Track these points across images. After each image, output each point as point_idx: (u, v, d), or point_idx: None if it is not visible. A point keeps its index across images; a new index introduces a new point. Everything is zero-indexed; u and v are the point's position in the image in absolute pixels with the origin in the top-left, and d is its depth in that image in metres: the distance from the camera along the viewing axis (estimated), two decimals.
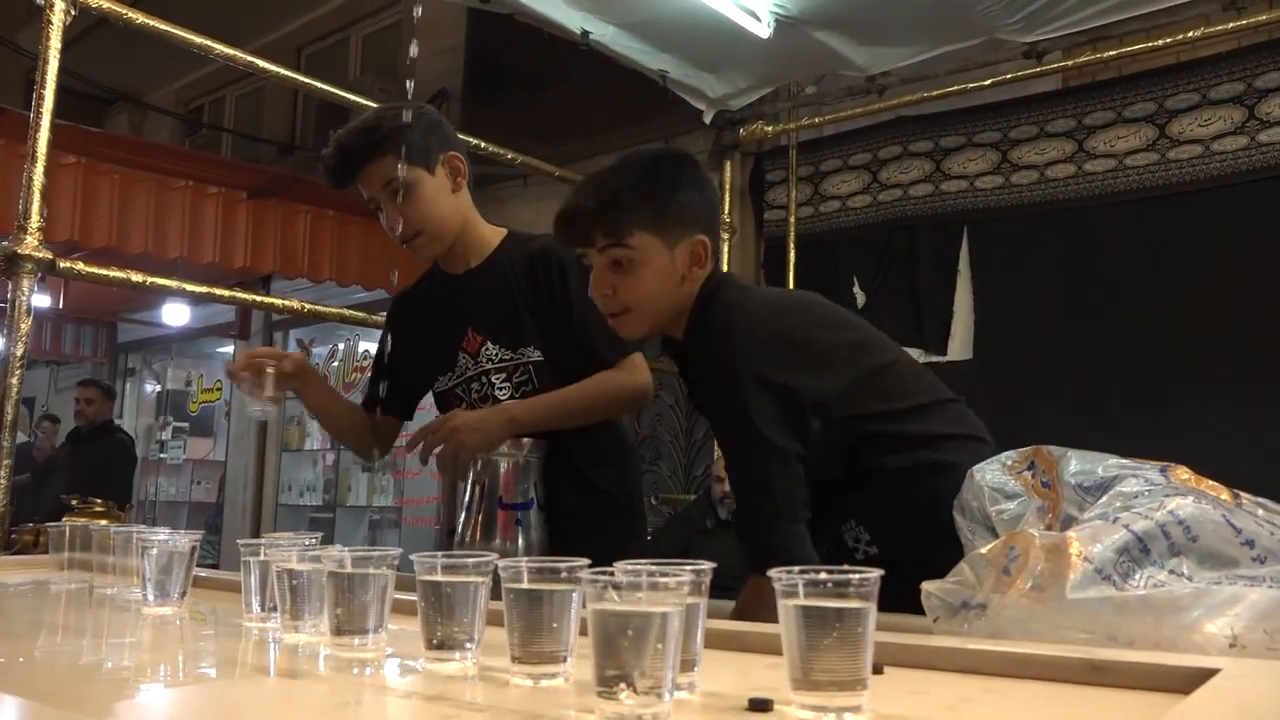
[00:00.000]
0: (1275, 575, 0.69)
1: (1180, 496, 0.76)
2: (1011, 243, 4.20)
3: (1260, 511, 0.79)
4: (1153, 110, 3.89)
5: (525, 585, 0.77)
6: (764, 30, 3.60)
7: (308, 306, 3.00)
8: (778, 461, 1.39)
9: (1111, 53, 3.72)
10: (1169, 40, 3.54)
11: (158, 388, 9.85)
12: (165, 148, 6.44)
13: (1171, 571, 0.69)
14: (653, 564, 0.72)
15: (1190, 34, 3.49)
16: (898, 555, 1.37)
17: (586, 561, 0.76)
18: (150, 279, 2.57)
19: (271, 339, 8.26)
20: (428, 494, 6.62)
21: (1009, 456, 1.07)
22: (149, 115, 9.18)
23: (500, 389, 1.84)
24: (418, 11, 1.88)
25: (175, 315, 7.86)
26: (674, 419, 5.48)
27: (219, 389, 9.21)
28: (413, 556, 0.83)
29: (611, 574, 0.68)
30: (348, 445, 2.22)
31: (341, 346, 7.97)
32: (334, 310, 3.07)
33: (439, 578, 0.80)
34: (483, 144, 3.59)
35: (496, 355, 1.85)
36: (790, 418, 1.42)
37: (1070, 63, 3.83)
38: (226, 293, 2.95)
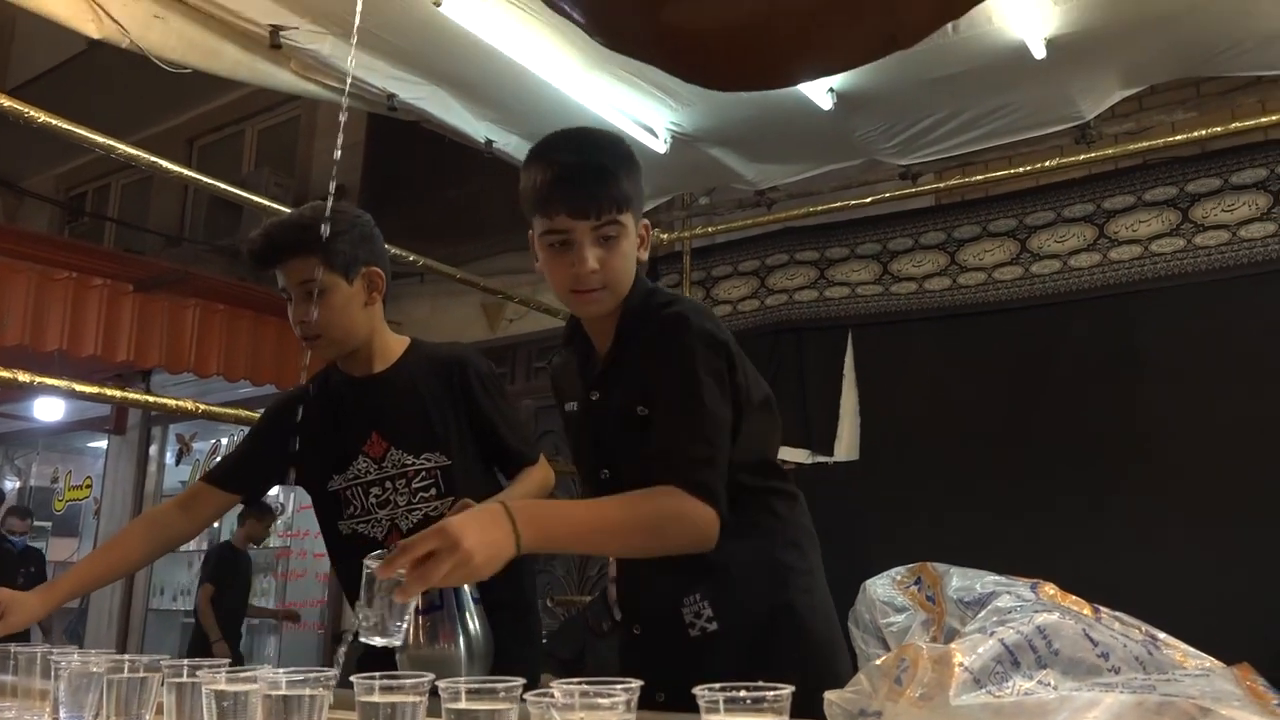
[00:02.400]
0: (1127, 682, 0.79)
1: (1046, 613, 0.85)
2: (893, 348, 4.43)
3: (1117, 625, 0.89)
4: (1014, 226, 4.21)
5: (464, 705, 0.80)
6: (661, 146, 3.79)
7: (202, 407, 2.95)
8: (716, 421, 1.36)
9: (979, 177, 4.03)
10: (1028, 168, 3.86)
11: (17, 484, 9.32)
12: (49, 238, 6.26)
13: (1039, 681, 0.78)
14: (586, 683, 0.76)
15: (1047, 163, 3.82)
16: (738, 636, 1.40)
17: (523, 681, 0.80)
18: (38, 378, 2.51)
19: (149, 434, 7.96)
20: (313, 597, 6.41)
21: (898, 572, 1.16)
22: (25, 200, 8.89)
23: (401, 494, 1.87)
24: (343, 117, 1.92)
25: (48, 410, 7.52)
26: None
27: (89, 486, 8.77)
28: (353, 678, 0.85)
29: (551, 694, 0.73)
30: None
31: (225, 442, 7.73)
32: (229, 411, 3.02)
33: (378, 699, 0.83)
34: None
35: (400, 460, 1.88)
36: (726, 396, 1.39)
37: (942, 184, 4.13)
38: (119, 393, 2.88)
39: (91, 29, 2.85)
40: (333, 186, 1.92)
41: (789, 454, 4.56)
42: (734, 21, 1.05)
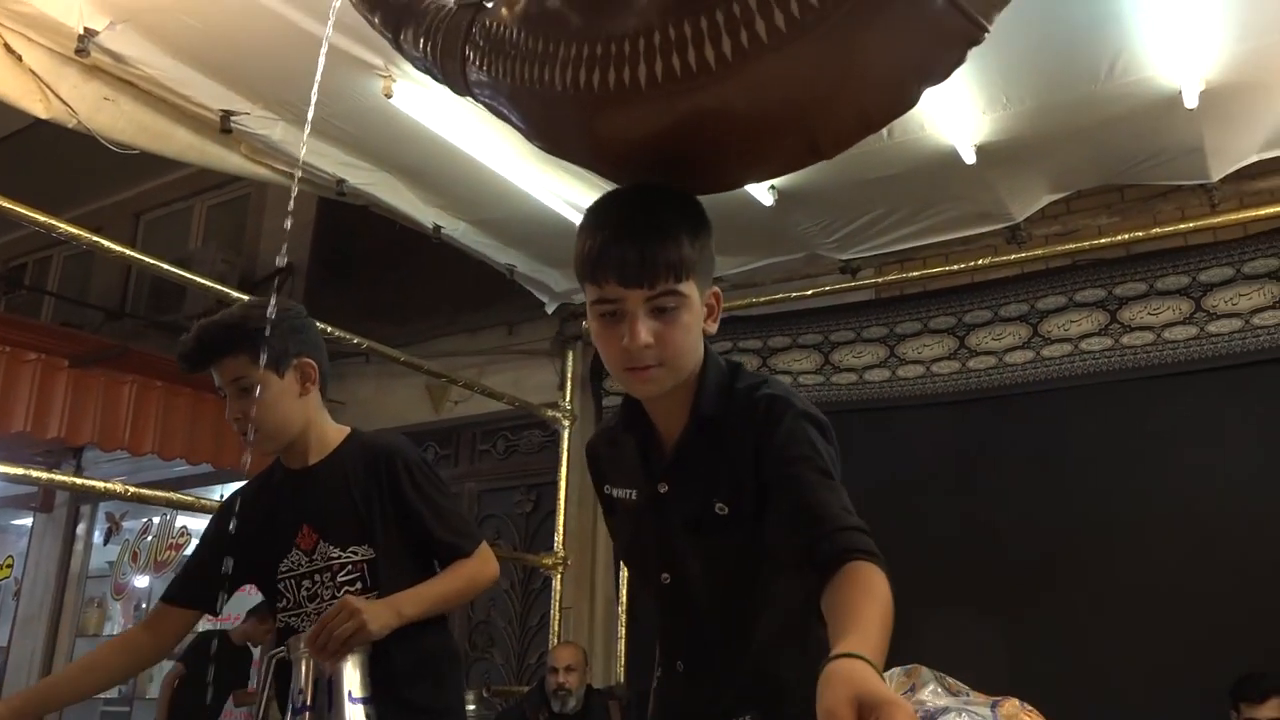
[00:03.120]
0: None
1: None
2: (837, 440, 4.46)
3: None
4: (953, 324, 4.32)
5: None
6: None
7: (131, 490, 2.89)
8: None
9: (916, 273, 4.15)
10: (963, 265, 3.99)
11: None
12: None
13: None
14: None
15: (980, 261, 3.95)
16: None
17: None
18: None
19: (78, 513, 7.72)
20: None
21: (893, 674, 1.13)
22: None
23: (326, 587, 1.84)
24: (288, 223, 1.92)
25: None
26: (509, 604, 5.39)
27: (9, 565, 8.43)
28: None
29: None
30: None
31: (156, 521, 7.51)
32: (160, 494, 2.96)
33: None
34: (328, 327, 3.63)
35: (328, 553, 1.86)
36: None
37: (880, 279, 4.25)
38: (44, 475, 2.81)
39: (39, 109, 2.86)
40: (274, 293, 1.92)
41: None
42: (661, 133, 1.10)
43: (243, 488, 2.07)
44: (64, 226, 2.72)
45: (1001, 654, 3.51)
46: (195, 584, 1.96)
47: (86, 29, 2.72)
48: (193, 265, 6.07)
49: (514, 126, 1.31)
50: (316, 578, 1.86)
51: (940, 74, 1.03)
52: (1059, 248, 3.92)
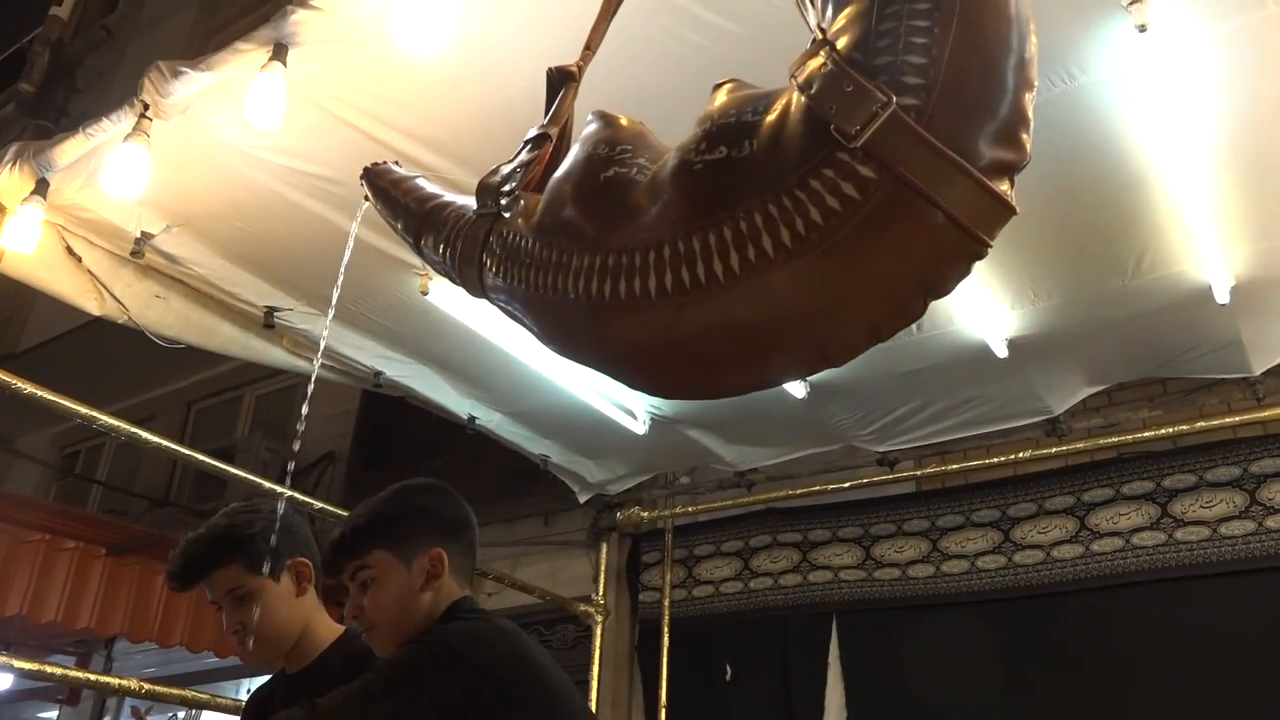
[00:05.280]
0: None
1: None
2: (879, 637, 4.29)
3: None
4: (996, 517, 4.20)
5: None
6: (640, 427, 3.86)
7: (146, 686, 2.81)
8: (377, 710, 1.35)
9: (955, 466, 4.07)
10: (1003, 458, 3.91)
11: None
12: (24, 499, 6.21)
13: None
14: None
15: (1022, 454, 3.87)
16: None
17: None
18: None
19: (104, 705, 7.54)
20: None
21: None
22: (17, 459, 8.93)
23: None
24: (310, 389, 1.95)
25: None
26: None
27: None
28: None
29: None
30: None
31: (181, 715, 7.30)
32: (174, 691, 2.88)
33: None
34: None
35: None
36: (442, 704, 1.36)
37: (920, 472, 4.16)
38: (59, 671, 2.76)
39: (93, 307, 2.99)
40: (282, 504, 1.92)
41: None
42: (670, 341, 1.10)
43: (256, 690, 2.02)
44: (103, 418, 2.78)
45: None
46: None
47: (143, 232, 2.87)
48: (238, 453, 6.16)
49: (528, 330, 1.33)
50: None
51: (945, 287, 1.02)
52: (1102, 440, 3.83)
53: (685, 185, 1.09)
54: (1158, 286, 2.97)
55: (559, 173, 1.29)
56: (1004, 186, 0.98)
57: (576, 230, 1.20)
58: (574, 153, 1.30)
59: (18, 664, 2.49)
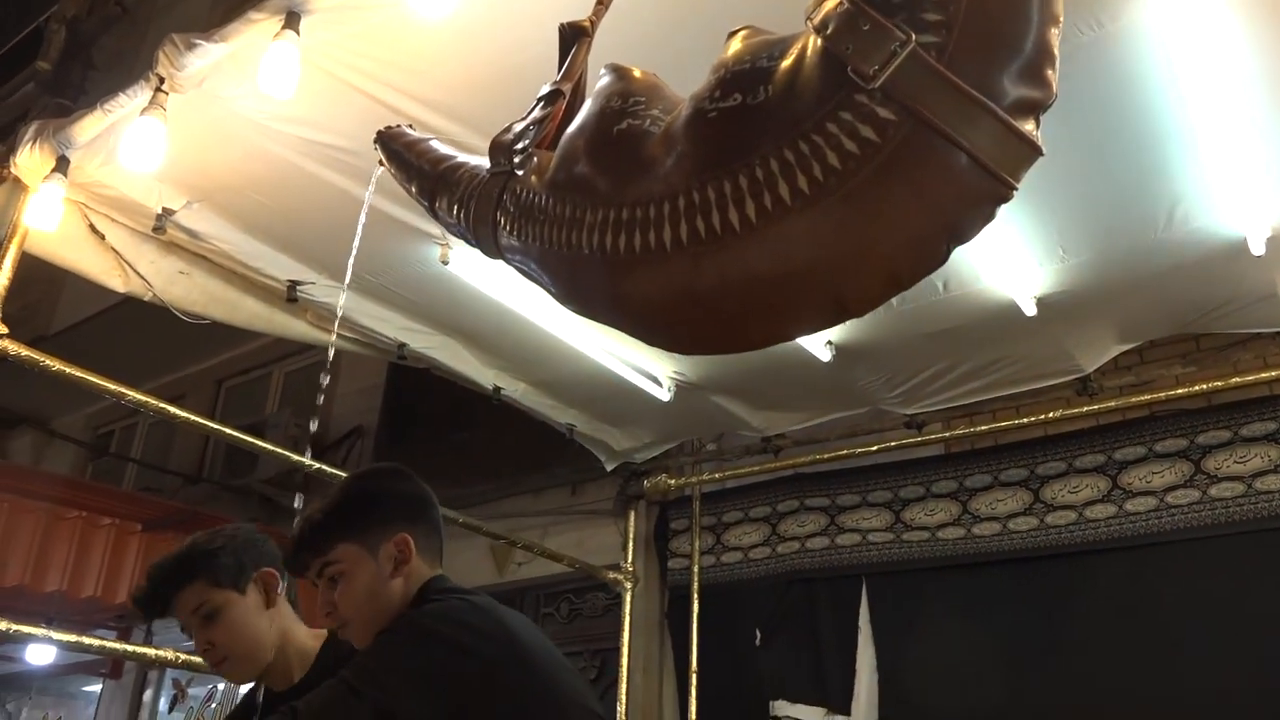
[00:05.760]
0: None
1: None
2: (909, 600, 4.27)
3: None
4: (1026, 476, 4.15)
5: None
6: (664, 394, 3.85)
7: (182, 657, 2.85)
8: (358, 702, 1.30)
9: (984, 427, 4.02)
10: (1033, 419, 3.86)
11: None
12: (61, 478, 6.32)
13: None
14: None
15: (1052, 414, 3.82)
16: None
17: None
18: (14, 626, 2.45)
19: (145, 679, 7.69)
20: None
21: None
22: (54, 439, 9.07)
23: None
24: (324, 382, 1.97)
25: (40, 654, 7.30)
26: None
27: None
28: None
29: None
30: None
31: (220, 688, 7.43)
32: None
33: None
34: None
35: None
36: (425, 689, 1.33)
37: (948, 434, 4.12)
38: (96, 641, 2.80)
39: (118, 284, 3.00)
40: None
41: (803, 712, 4.31)
42: (686, 294, 1.08)
43: (229, 715, 1.96)
44: (132, 394, 2.80)
45: None
46: None
47: (165, 208, 2.87)
48: (268, 429, 6.21)
49: (545, 290, 1.31)
50: None
51: (970, 232, 0.99)
52: (1135, 399, 3.77)
53: (700, 134, 1.07)
54: (1191, 240, 2.90)
55: (572, 128, 1.27)
56: (1030, 126, 0.95)
57: (590, 184, 1.18)
58: (587, 107, 1.27)
59: (56, 635, 2.53)
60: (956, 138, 0.91)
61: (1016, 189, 0.95)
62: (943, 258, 1.00)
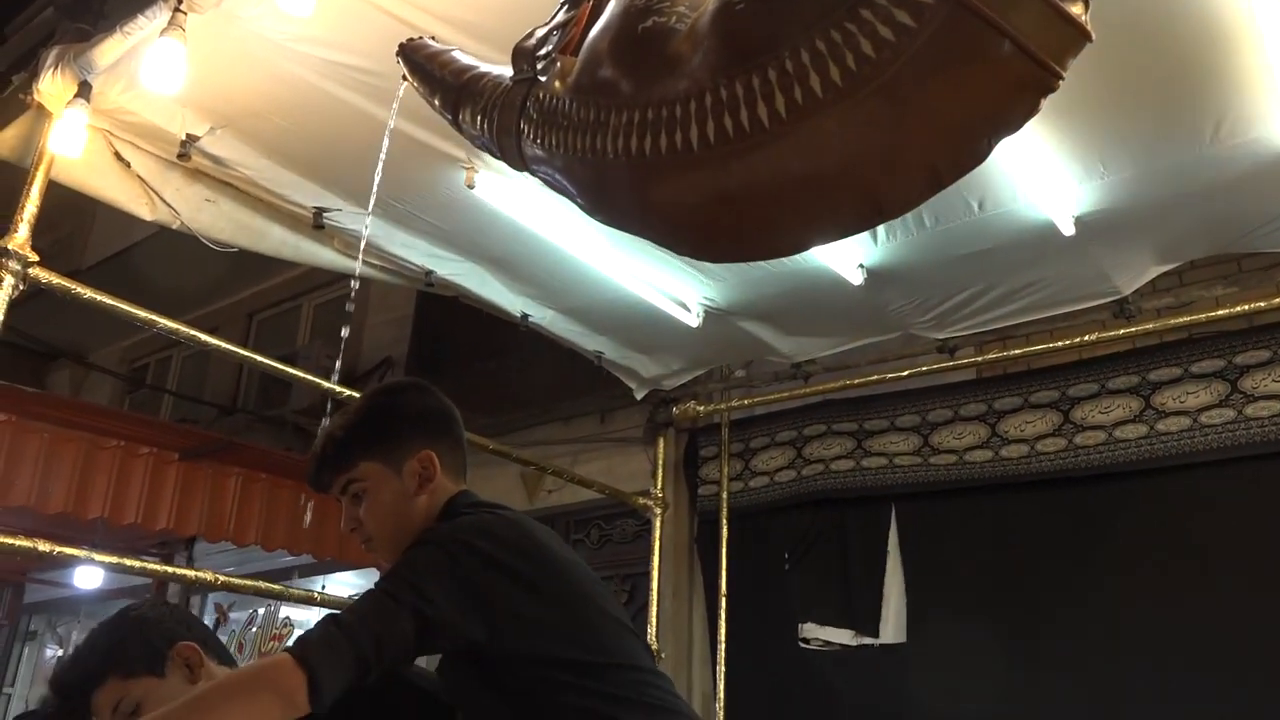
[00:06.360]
0: None
1: None
2: (937, 522, 4.27)
3: None
4: (1056, 398, 4.11)
5: None
6: (694, 320, 3.82)
7: (220, 578, 2.90)
8: (397, 607, 1.29)
9: (1018, 351, 3.97)
10: (1068, 342, 3.80)
11: (58, 652, 9.24)
12: (99, 408, 6.41)
13: None
14: None
15: (1088, 337, 3.76)
16: None
17: None
18: (57, 548, 2.51)
19: (188, 603, 7.90)
20: None
21: None
22: (91, 373, 9.21)
23: None
24: (350, 307, 1.97)
25: (87, 578, 7.51)
26: None
27: None
28: None
29: None
30: None
31: (261, 612, 7.62)
32: (249, 582, 2.99)
33: None
34: None
35: None
36: (461, 598, 1.32)
37: (981, 358, 4.07)
38: (136, 563, 2.86)
39: (145, 212, 3.00)
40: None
41: (832, 635, 4.35)
42: (716, 197, 1.05)
43: None
44: (164, 322, 2.82)
45: None
46: None
47: (189, 135, 2.85)
48: (299, 361, 6.27)
49: (572, 200, 1.28)
50: None
51: (1013, 125, 0.95)
52: (1173, 320, 3.70)
53: (727, 28, 1.03)
54: (1238, 154, 2.80)
55: (596, 29, 1.23)
56: (1077, 9, 0.90)
57: (614, 86, 1.14)
58: (611, 7, 1.23)
59: (98, 557, 2.58)
60: (998, 20, 0.86)
61: (1063, 78, 0.90)
62: (984, 153, 0.96)
